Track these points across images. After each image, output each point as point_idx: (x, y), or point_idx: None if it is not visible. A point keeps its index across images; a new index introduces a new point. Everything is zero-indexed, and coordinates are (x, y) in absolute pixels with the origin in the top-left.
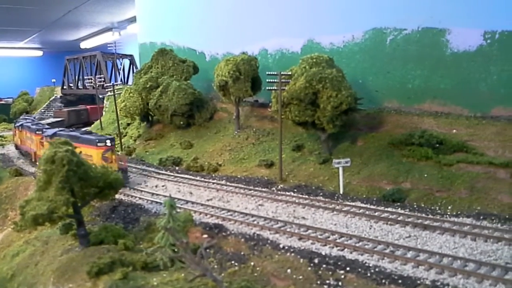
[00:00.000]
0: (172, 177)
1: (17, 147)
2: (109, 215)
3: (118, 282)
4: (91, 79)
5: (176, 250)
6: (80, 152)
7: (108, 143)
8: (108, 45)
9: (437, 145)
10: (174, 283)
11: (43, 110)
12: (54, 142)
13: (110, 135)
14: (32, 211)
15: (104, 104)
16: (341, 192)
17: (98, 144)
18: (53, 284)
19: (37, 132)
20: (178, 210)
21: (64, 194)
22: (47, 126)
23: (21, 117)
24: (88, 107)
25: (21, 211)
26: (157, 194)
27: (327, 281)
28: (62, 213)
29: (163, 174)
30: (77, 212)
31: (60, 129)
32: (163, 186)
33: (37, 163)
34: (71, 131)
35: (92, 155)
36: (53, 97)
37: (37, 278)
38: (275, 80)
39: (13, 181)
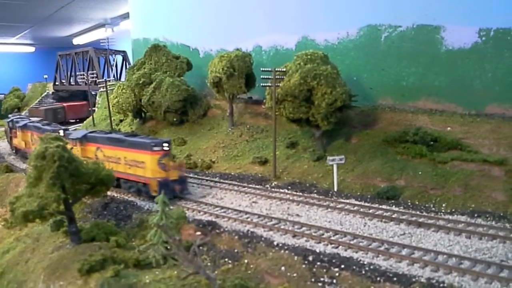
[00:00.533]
0: None
1: (17, 150)
2: (101, 212)
3: (110, 280)
4: (84, 75)
5: (168, 247)
6: (125, 157)
7: (166, 146)
8: (101, 41)
9: (432, 142)
10: (167, 281)
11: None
12: (44, 138)
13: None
14: (22, 207)
15: (97, 100)
16: (335, 189)
17: (154, 148)
18: (43, 282)
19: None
20: (171, 207)
21: (55, 190)
22: (63, 127)
23: (12, 116)
24: (65, 104)
25: (11, 208)
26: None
27: (322, 279)
28: (53, 210)
29: None
30: (68, 209)
31: (90, 130)
32: None
33: None
34: (107, 133)
35: (145, 161)
36: (45, 93)
37: (27, 276)
38: (270, 77)
39: (3, 178)
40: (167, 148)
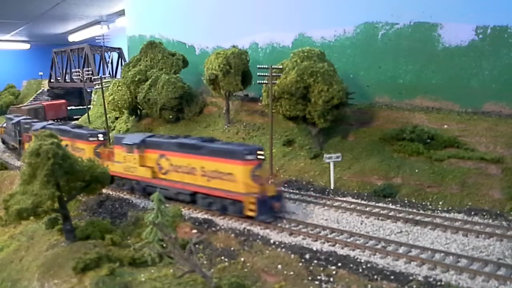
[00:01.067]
0: None
1: None
2: (96, 209)
3: (105, 278)
4: (79, 72)
5: (164, 245)
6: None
7: (260, 155)
8: (97, 38)
9: (428, 140)
10: (162, 279)
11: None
12: (39, 135)
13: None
14: (16, 205)
15: (92, 98)
16: (332, 187)
17: (247, 157)
18: (38, 280)
19: (90, 139)
20: (167, 204)
21: (49, 188)
22: (102, 131)
23: (14, 117)
24: (44, 103)
25: (5, 205)
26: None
27: (318, 277)
28: (47, 208)
29: None
30: (63, 207)
31: (149, 134)
32: None
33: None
34: (172, 137)
35: (233, 173)
36: (40, 91)
37: (21, 274)
38: (266, 74)
39: None
40: (262, 157)
